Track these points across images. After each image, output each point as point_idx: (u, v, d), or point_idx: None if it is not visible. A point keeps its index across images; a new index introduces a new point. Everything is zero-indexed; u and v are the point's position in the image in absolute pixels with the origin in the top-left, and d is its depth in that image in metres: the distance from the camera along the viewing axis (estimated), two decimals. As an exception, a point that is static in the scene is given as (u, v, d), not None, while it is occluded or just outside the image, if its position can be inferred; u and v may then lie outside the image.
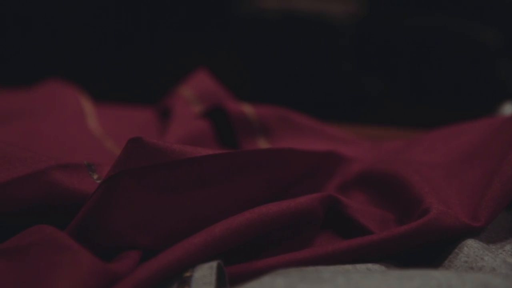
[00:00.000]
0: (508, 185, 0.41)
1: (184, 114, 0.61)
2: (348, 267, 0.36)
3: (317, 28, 1.40)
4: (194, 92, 0.66)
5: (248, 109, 0.61)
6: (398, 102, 1.43)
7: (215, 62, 1.59)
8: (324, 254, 0.37)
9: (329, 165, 0.53)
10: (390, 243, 0.37)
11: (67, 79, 0.74)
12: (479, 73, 1.41)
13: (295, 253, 0.37)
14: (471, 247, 0.38)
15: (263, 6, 1.41)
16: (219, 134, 0.61)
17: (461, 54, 1.41)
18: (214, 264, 0.34)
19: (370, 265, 0.36)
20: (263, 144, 0.61)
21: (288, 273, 0.33)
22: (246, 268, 0.36)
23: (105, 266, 0.33)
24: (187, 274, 0.34)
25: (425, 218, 0.39)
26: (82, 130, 0.64)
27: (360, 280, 0.31)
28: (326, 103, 1.37)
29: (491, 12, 1.41)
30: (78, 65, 1.51)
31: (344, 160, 0.54)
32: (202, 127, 0.60)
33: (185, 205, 0.39)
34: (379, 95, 1.43)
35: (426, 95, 1.42)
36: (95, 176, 0.42)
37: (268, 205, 0.39)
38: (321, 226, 0.42)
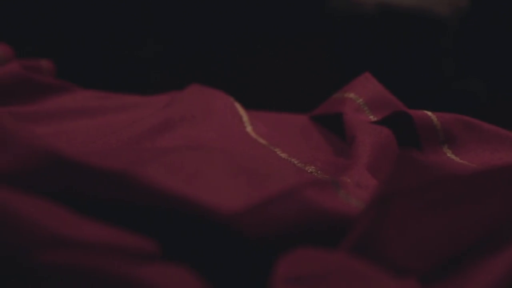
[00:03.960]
0: None
1: (361, 122, 0.60)
2: None
3: (417, 24, 1.37)
4: (363, 98, 0.64)
5: (432, 115, 0.60)
6: (504, 104, 1.40)
7: (305, 59, 1.57)
8: None
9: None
10: None
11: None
12: None
13: None
14: None
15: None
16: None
17: None
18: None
19: None
20: (448, 153, 0.59)
21: None
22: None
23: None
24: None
25: None
26: (244, 136, 0.62)
27: None
28: (425, 104, 1.34)
29: None
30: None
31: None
32: (388, 135, 0.58)
33: (452, 224, 0.38)
34: (483, 96, 1.40)
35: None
36: (341, 193, 0.40)
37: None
38: None
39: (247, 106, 0.68)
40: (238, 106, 0.67)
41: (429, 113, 0.60)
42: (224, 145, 0.60)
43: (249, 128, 0.64)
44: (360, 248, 0.35)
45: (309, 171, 0.55)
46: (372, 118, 0.62)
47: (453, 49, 1.38)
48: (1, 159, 0.36)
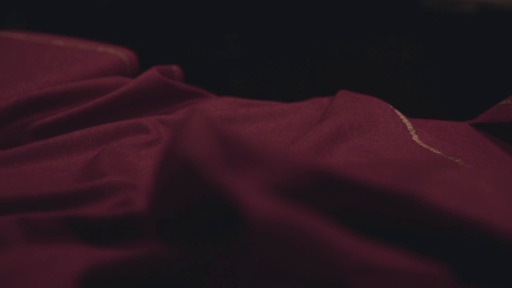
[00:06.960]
0: None
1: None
2: None
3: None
4: None
5: None
6: None
7: (399, 60, 1.55)
8: None
9: None
10: None
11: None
12: None
13: None
14: None
15: (456, -2, 1.36)
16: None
17: None
18: None
19: None
20: None
21: None
22: None
23: None
24: None
25: None
26: (415, 146, 0.60)
27: None
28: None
29: None
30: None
31: None
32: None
33: None
34: None
35: None
36: None
37: None
38: None
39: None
40: (399, 113, 0.65)
41: None
42: (399, 156, 0.58)
43: (415, 137, 0.62)
44: None
45: (508, 184, 0.52)
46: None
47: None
48: (263, 177, 0.34)
